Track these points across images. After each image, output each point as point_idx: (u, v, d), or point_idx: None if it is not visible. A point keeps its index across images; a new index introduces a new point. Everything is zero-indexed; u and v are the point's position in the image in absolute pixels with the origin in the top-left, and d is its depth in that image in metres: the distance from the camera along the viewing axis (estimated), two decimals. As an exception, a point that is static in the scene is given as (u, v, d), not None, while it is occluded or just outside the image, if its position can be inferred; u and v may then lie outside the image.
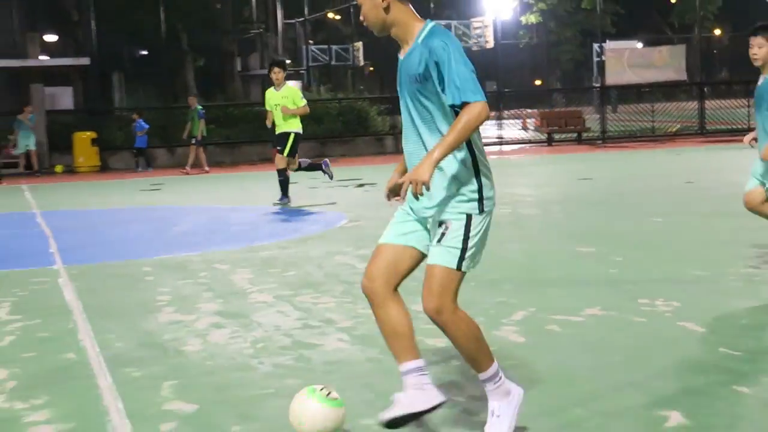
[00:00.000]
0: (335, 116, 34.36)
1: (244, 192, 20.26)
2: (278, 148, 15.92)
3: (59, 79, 34.32)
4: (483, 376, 4.36)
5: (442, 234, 4.29)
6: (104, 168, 30.84)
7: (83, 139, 30.99)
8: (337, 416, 4.42)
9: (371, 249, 10.22)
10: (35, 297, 8.71)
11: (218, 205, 17.29)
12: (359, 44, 48.31)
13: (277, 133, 16.06)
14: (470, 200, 4.31)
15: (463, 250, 4.29)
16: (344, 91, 44.06)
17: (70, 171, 30.53)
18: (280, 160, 15.84)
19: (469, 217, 4.30)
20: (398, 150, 32.34)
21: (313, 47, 50.66)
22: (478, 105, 4.09)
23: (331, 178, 17.00)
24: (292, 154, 15.89)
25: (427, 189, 4.08)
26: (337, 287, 8.52)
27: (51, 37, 36.21)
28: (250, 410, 5.21)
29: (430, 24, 4.32)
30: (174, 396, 5.51)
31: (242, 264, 9.98)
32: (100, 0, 35.87)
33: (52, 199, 20.07)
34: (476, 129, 4.19)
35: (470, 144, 4.29)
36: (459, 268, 4.29)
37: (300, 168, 16.33)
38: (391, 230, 4.52)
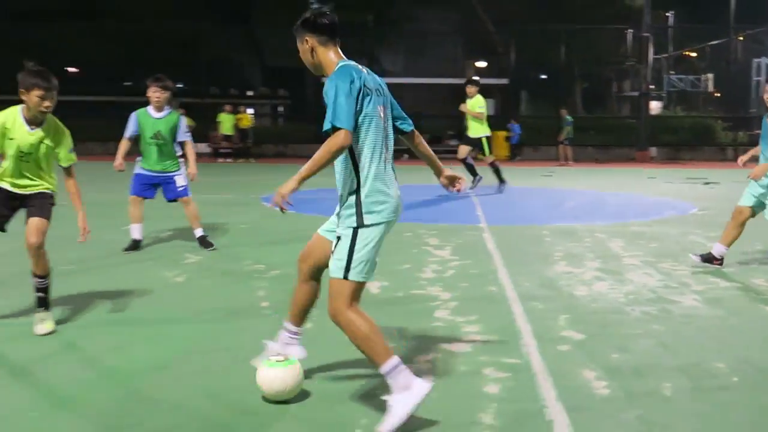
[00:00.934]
0: (687, 129, 32.84)
1: (616, 182, 19.64)
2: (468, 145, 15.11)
3: (485, 93, 34.99)
4: (381, 370, 3.58)
5: (335, 246, 3.68)
6: (515, 157, 31.19)
7: (498, 135, 31.59)
8: (292, 373, 3.87)
9: (717, 232, 9.63)
10: (468, 244, 8.93)
11: (596, 190, 16.86)
12: (710, 75, 45.23)
13: (470, 135, 15.11)
14: (351, 215, 3.63)
15: (349, 261, 3.61)
16: (696, 111, 41.56)
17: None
18: (489, 158, 15.06)
19: (354, 230, 3.62)
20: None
21: (672, 77, 48.10)
22: (337, 133, 3.44)
23: (471, 188, 14.87)
24: (491, 151, 15.05)
25: (288, 203, 3.48)
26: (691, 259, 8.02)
27: (481, 63, 36.92)
28: (625, 344, 5.02)
29: (340, 64, 3.70)
30: (567, 326, 5.44)
31: (616, 235, 9.66)
32: (519, 40, 36.26)
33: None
34: (331, 153, 3.44)
35: (355, 165, 3.63)
36: (346, 277, 3.62)
37: (465, 162, 15.09)
38: (326, 222, 3.98)
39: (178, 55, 35.36)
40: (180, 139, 8.25)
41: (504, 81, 34.21)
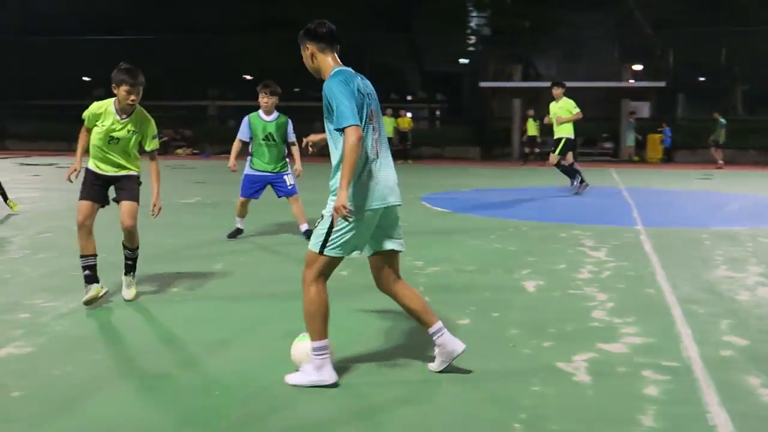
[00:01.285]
0: None
1: (778, 186, 18.41)
2: (552, 148, 14.40)
3: (640, 96, 33.79)
4: (311, 344, 3.97)
5: (317, 222, 4.02)
6: (667, 160, 30.00)
7: (654, 138, 30.41)
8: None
9: None
10: (624, 246, 8.58)
11: (759, 193, 15.86)
12: None
13: (554, 137, 14.28)
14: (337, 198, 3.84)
15: (326, 239, 3.94)
16: None
17: (643, 161, 30.04)
18: (553, 158, 14.24)
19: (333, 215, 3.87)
20: None
21: None
22: (348, 131, 3.77)
23: (575, 193, 14.45)
24: (562, 153, 14.15)
25: (348, 210, 3.77)
26: None
27: (637, 66, 35.60)
28: (793, 352, 4.68)
29: (336, 69, 4.05)
30: (729, 331, 5.12)
31: (781, 240, 9.04)
32: (677, 42, 34.76)
33: (631, 179, 19.84)
34: (356, 150, 3.76)
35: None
36: (321, 252, 3.95)
37: (558, 165, 14.41)
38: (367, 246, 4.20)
39: (344, 63, 36.32)
40: (289, 140, 8.58)
41: (661, 84, 32.84)
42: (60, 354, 4.57)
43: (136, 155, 5.75)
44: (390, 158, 4.13)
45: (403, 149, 29.26)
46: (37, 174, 19.94)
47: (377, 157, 4.02)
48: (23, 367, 4.29)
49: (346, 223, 3.87)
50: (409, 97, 44.79)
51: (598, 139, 31.58)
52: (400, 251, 4.18)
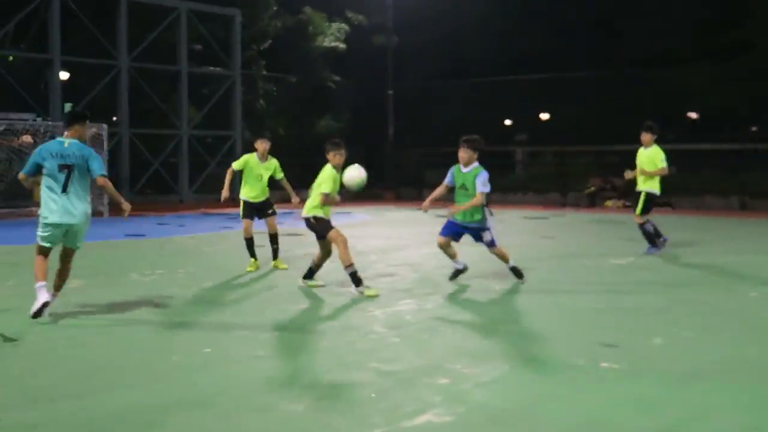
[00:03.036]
0: None
1: None
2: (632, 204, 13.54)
3: None
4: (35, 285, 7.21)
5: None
6: None
7: None
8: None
9: None
10: None
11: None
12: None
13: (636, 189, 12.79)
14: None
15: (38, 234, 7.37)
16: None
17: None
18: (637, 219, 12.66)
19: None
20: None
21: None
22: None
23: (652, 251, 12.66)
24: (644, 212, 12.45)
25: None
26: None
27: None
28: None
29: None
30: None
31: None
32: None
33: None
34: (22, 180, 7.29)
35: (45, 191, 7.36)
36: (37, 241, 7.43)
37: (642, 227, 12.65)
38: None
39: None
40: (478, 190, 9.43)
41: None
42: (480, 426, 4.46)
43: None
44: (82, 194, 6.98)
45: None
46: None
47: (65, 192, 6.90)
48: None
49: (45, 227, 7.01)
50: None
51: None
52: (73, 248, 7.23)
